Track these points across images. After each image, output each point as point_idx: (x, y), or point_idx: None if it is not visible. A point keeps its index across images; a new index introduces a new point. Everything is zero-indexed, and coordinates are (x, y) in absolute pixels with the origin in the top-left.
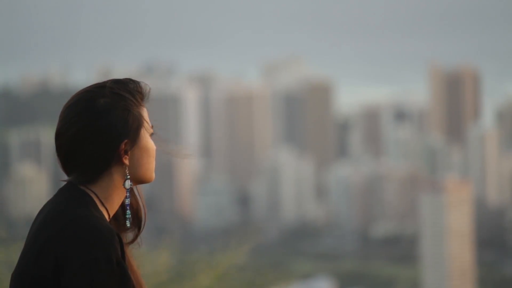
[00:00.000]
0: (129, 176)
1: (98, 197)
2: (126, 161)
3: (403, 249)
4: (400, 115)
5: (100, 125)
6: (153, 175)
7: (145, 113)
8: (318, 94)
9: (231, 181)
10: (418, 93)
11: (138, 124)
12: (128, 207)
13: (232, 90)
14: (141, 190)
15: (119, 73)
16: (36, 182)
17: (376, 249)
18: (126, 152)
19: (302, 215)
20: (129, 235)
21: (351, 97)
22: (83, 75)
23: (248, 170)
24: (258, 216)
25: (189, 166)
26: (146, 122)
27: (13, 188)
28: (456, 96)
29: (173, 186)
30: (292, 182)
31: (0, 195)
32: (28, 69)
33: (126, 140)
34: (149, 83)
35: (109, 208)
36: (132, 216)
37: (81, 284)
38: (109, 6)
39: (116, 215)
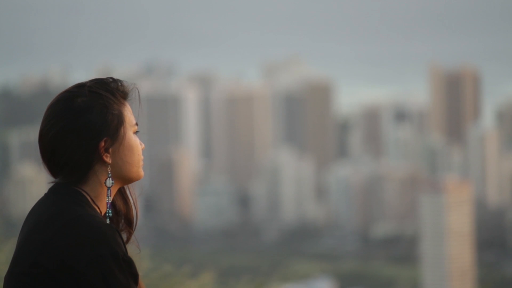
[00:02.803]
0: (110, 175)
1: (89, 196)
2: (108, 159)
3: (403, 249)
4: (400, 115)
5: (78, 125)
6: (141, 172)
7: (127, 111)
8: (318, 95)
9: (231, 181)
10: (418, 93)
11: (117, 121)
12: (108, 206)
13: (232, 90)
14: (136, 190)
15: (119, 74)
16: (36, 182)
17: (376, 250)
18: (106, 150)
19: (302, 215)
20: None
21: (351, 97)
22: (83, 76)
23: (248, 170)
24: (258, 216)
25: (189, 167)
26: (128, 120)
27: (13, 188)
28: (456, 96)
29: (173, 187)
30: (292, 183)
31: (0, 195)
32: (28, 69)
33: (105, 138)
34: (149, 83)
35: (100, 206)
36: (123, 217)
37: (94, 281)
38: (109, 6)
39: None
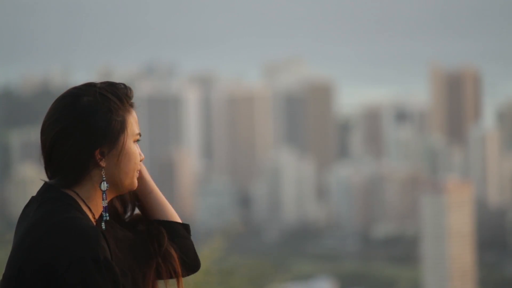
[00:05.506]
0: (105, 178)
1: (81, 198)
2: (103, 164)
3: (404, 249)
4: (401, 115)
5: (80, 128)
6: (135, 182)
7: (131, 118)
8: (319, 95)
9: (232, 181)
10: (419, 93)
11: (120, 127)
12: (104, 209)
13: (233, 90)
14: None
15: (120, 74)
16: (37, 183)
17: (377, 250)
18: (103, 155)
19: (303, 215)
20: None
21: (352, 97)
22: (84, 76)
23: (249, 170)
24: (259, 217)
25: (189, 167)
26: (131, 128)
27: (13, 188)
28: (457, 96)
29: (173, 187)
30: (293, 183)
31: (0, 195)
32: (29, 69)
33: (104, 144)
34: (150, 84)
35: (92, 208)
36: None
37: (73, 284)
38: (110, 7)
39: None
